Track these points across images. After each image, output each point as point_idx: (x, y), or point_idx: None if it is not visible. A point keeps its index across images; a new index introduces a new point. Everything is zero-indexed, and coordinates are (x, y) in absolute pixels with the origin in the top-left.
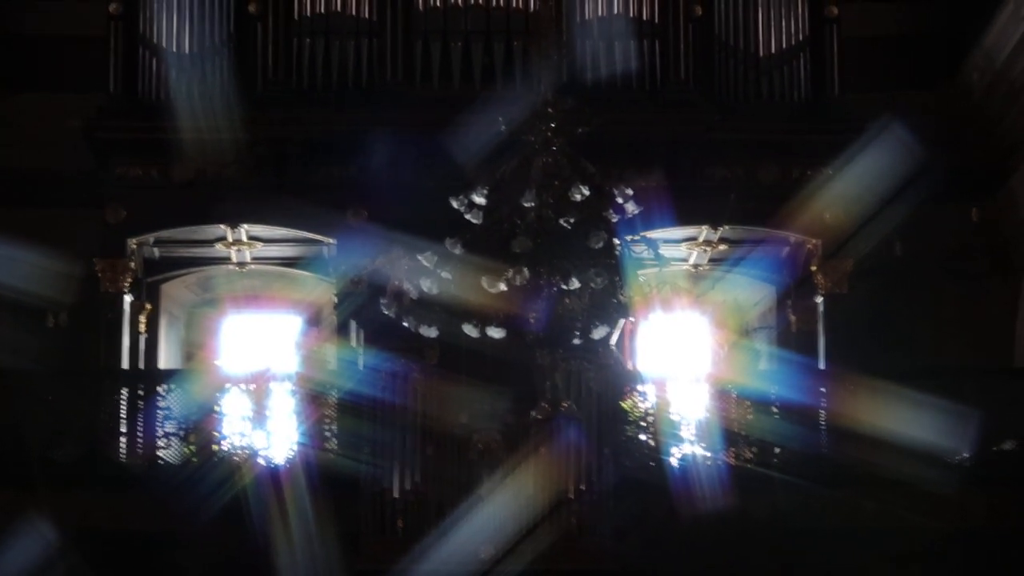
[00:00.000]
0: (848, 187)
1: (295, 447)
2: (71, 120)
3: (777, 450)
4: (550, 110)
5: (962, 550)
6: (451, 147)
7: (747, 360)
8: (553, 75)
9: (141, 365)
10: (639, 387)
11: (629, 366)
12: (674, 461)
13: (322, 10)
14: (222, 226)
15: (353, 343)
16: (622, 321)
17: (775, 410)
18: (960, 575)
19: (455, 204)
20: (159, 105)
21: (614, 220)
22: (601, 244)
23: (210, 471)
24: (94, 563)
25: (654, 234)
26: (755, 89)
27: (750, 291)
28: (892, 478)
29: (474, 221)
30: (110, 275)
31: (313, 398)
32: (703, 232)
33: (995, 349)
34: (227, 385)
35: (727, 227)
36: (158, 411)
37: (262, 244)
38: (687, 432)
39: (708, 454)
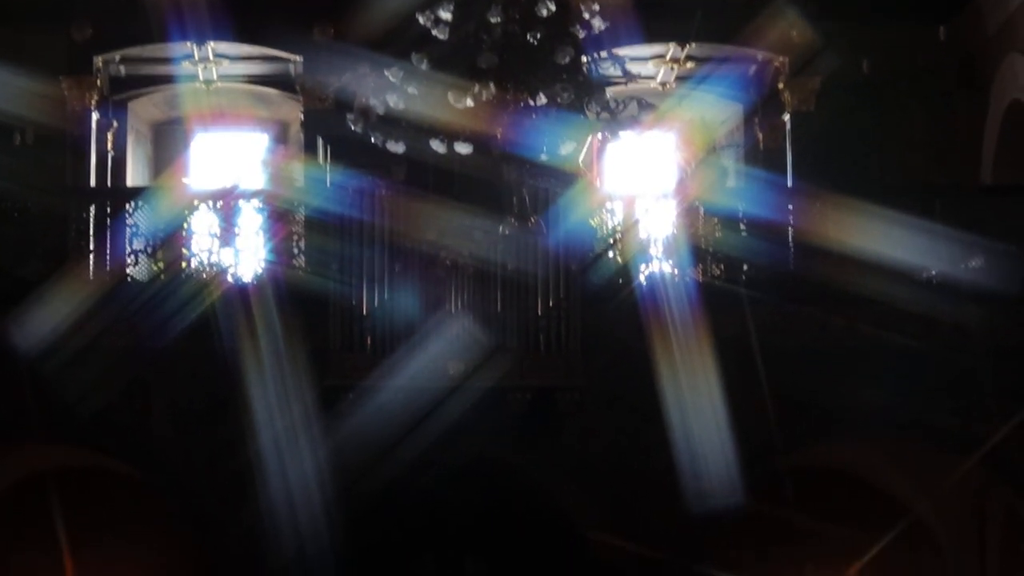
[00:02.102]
0: (814, 5)
1: (263, 264)
2: None
3: (745, 267)
4: None
5: (930, 366)
6: None
7: (714, 178)
8: None
9: (108, 183)
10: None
11: (596, 183)
12: (642, 278)
13: None
14: (188, 44)
15: (320, 160)
16: (589, 138)
17: (742, 227)
18: (929, 391)
19: (421, 20)
20: None
21: (581, 36)
22: (568, 60)
23: (178, 288)
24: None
25: (621, 51)
26: None
27: (717, 109)
28: (860, 295)
29: (440, 37)
30: (76, 93)
31: (281, 216)
32: (670, 50)
33: (962, 167)
34: (195, 203)
35: (694, 45)
36: (126, 229)
37: (229, 62)
38: (655, 249)
39: (675, 271)
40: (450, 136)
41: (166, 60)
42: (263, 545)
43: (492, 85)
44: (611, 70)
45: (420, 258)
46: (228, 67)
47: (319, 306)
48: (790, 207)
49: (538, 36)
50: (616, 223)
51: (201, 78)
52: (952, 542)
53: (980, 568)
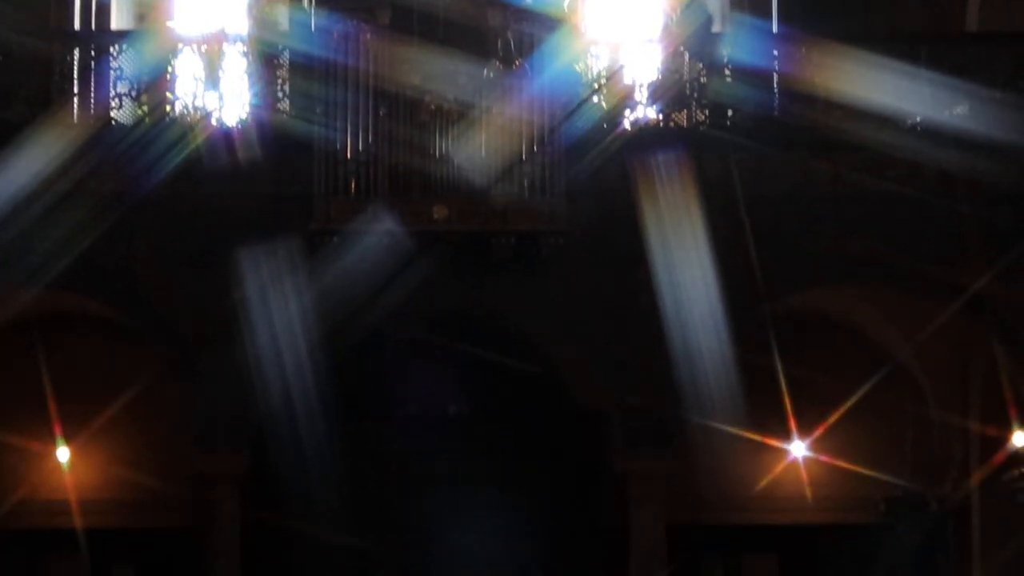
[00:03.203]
0: None
1: (247, 109)
2: None
3: (730, 112)
4: None
5: (914, 212)
6: None
7: (699, 22)
8: None
9: (93, 26)
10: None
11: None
12: (626, 123)
13: None
14: None
15: (305, 3)
16: None
17: (727, 73)
18: (912, 237)
19: None
20: None
21: None
22: None
23: (163, 133)
24: None
25: None
26: None
27: None
28: (845, 141)
29: None
30: None
31: (265, 59)
32: None
33: (948, 13)
34: (179, 46)
35: None
36: (110, 72)
37: None
38: (639, 95)
39: (660, 117)
40: None
41: None
42: (248, 390)
43: None
44: None
45: (405, 102)
46: None
47: (303, 151)
48: (775, 53)
49: None
50: (601, 68)
51: None
52: (935, 389)
53: (963, 414)
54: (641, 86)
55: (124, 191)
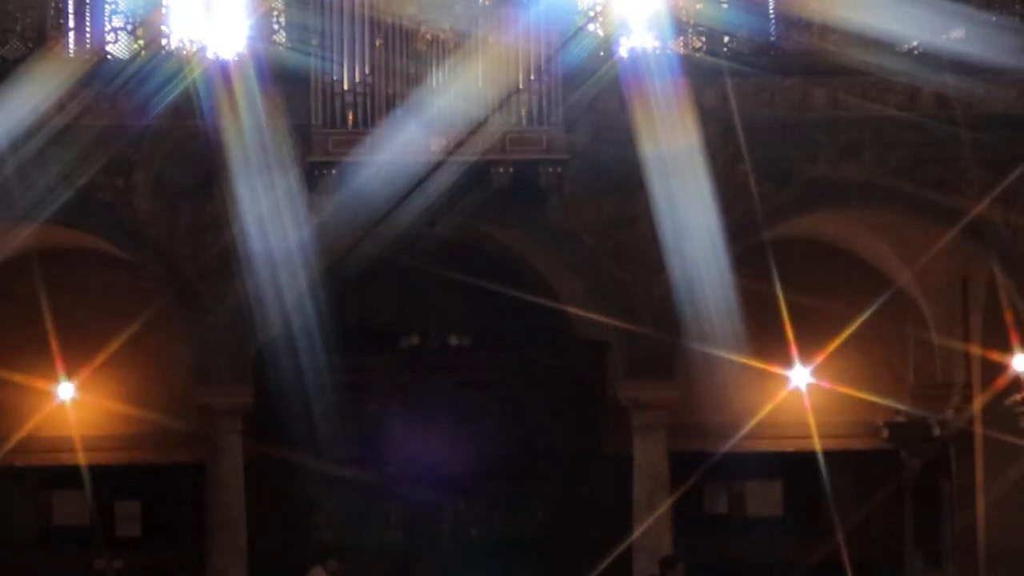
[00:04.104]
0: None
1: (244, 41)
2: None
3: (726, 39)
4: None
5: (911, 137)
6: None
7: None
8: None
9: None
10: None
11: None
12: (623, 51)
13: None
14: None
15: None
16: None
17: None
18: (910, 161)
19: None
20: None
21: None
22: None
23: (159, 66)
24: None
25: None
26: None
27: None
28: (842, 65)
29: None
30: None
31: None
32: None
33: None
34: None
35: None
36: (105, 6)
37: None
38: (636, 22)
39: (657, 44)
40: None
41: None
42: (249, 323)
43: None
44: None
45: (401, 33)
46: None
47: (300, 83)
48: None
49: None
50: None
51: None
52: (936, 313)
53: (964, 338)
54: (638, 13)
55: (121, 125)
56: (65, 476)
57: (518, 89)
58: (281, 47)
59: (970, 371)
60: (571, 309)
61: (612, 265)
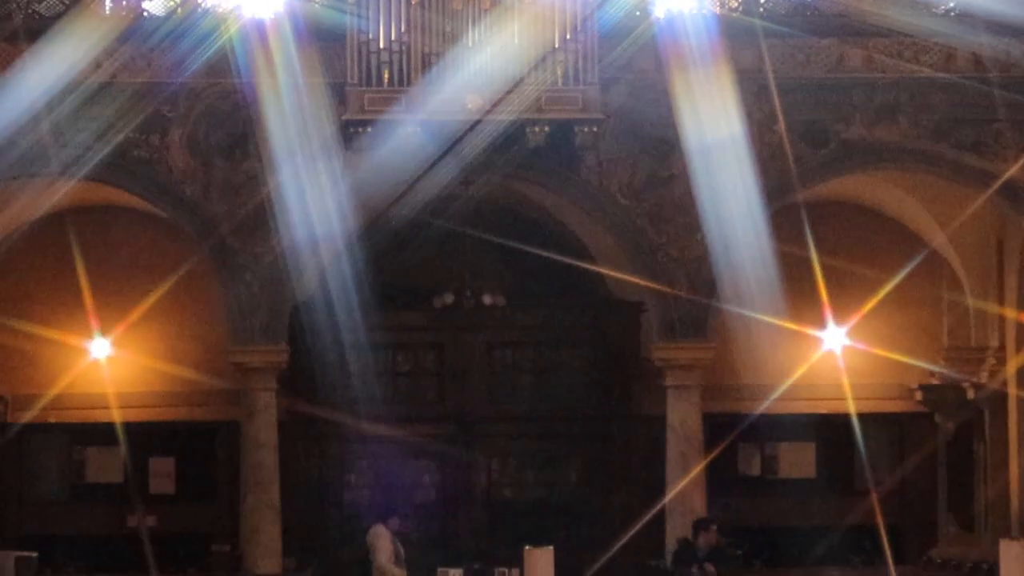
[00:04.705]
0: None
1: None
2: None
3: None
4: None
5: (947, 98)
6: None
7: None
8: None
9: None
10: None
11: None
12: (659, 11)
13: None
14: None
15: None
16: None
17: None
18: (946, 123)
19: None
20: None
21: None
22: None
23: (195, 23)
24: None
25: None
26: None
27: None
28: (878, 26)
29: None
30: None
31: None
32: None
33: None
34: None
35: None
36: None
37: None
38: None
39: (694, 3)
40: None
41: None
42: (284, 281)
43: None
44: None
45: None
46: None
47: (336, 40)
48: None
49: None
50: None
51: None
52: (970, 276)
53: (999, 301)
54: None
55: (157, 83)
56: (99, 433)
57: (554, 48)
58: (317, 5)
59: (1004, 334)
60: (605, 269)
61: (647, 225)
